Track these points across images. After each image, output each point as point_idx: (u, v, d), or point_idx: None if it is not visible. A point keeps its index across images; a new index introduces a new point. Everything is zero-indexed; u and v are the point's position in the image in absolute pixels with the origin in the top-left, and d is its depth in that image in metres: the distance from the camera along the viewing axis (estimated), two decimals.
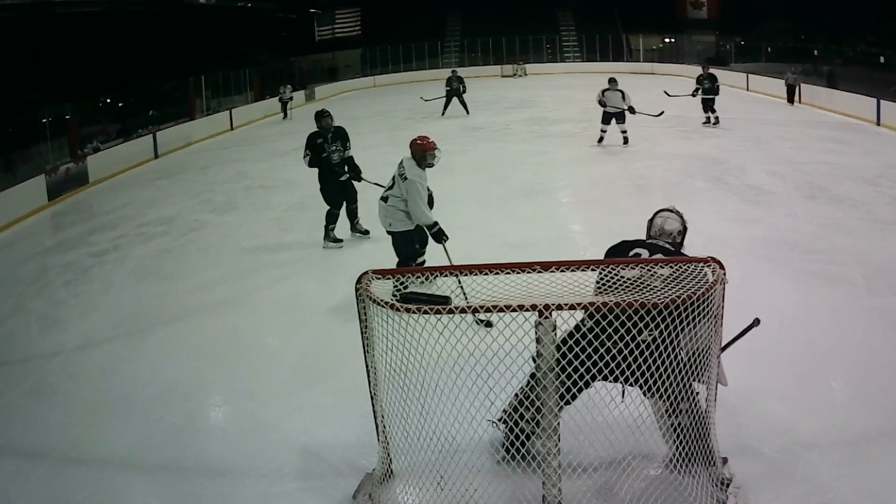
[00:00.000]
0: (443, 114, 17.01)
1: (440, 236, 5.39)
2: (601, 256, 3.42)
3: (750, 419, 3.62)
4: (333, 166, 7.02)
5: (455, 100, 17.17)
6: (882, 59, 18.15)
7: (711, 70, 14.29)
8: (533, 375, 3.04)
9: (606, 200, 8.61)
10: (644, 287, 2.84)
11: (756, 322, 3.34)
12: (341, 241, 7.22)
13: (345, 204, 7.23)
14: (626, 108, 11.51)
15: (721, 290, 2.90)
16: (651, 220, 3.56)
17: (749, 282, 5.36)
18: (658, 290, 2.77)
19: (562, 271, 2.93)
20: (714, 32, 28.82)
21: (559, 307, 2.61)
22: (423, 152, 5.48)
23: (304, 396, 4.27)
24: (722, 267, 2.89)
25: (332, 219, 7.18)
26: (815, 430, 3.51)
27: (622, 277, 2.96)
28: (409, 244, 5.62)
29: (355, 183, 7.29)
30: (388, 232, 5.67)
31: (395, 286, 3.26)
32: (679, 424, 3.04)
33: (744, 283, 5.07)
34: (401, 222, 5.52)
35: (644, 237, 3.50)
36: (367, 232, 7.34)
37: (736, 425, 3.55)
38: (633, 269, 2.99)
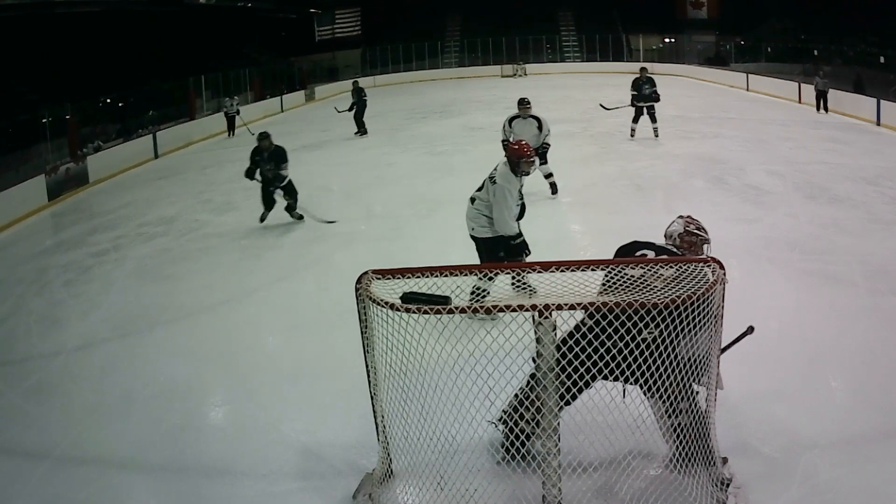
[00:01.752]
0: (357, 132, 15.19)
1: (521, 250, 4.99)
2: (601, 256, 3.42)
3: (750, 419, 3.62)
4: (265, 182, 8.30)
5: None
6: (882, 59, 18.13)
7: (650, 74, 12.50)
8: (533, 376, 3.05)
9: (606, 200, 8.60)
10: (645, 287, 2.84)
11: (750, 330, 3.34)
12: (302, 217, 8.41)
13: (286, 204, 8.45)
14: (542, 144, 8.44)
15: (721, 291, 2.90)
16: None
17: (749, 282, 5.36)
18: (658, 291, 2.77)
19: (562, 271, 2.93)
20: (714, 32, 28.82)
21: (559, 307, 2.61)
22: (517, 158, 5.00)
23: (304, 396, 4.27)
24: (722, 267, 2.88)
25: (291, 209, 8.46)
26: (815, 430, 3.51)
27: (628, 276, 2.95)
28: (493, 253, 5.10)
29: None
30: (471, 236, 5.22)
31: (475, 289, 3.21)
32: (679, 425, 3.04)
33: (744, 283, 5.07)
34: (483, 228, 5.09)
35: (655, 239, 3.50)
36: (301, 217, 8.44)
37: (736, 425, 3.55)
38: (637, 268, 2.99)
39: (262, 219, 8.37)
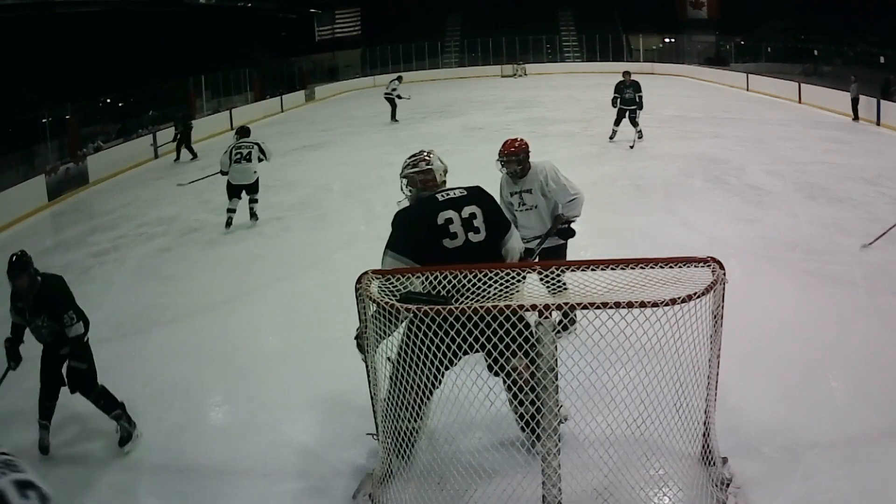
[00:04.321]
0: (176, 160, 14.36)
1: None
2: (601, 256, 3.41)
3: (750, 419, 3.62)
4: (45, 345, 4.12)
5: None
6: (882, 59, 18.12)
7: (634, 78, 11.89)
8: (391, 377, 3.06)
9: (606, 200, 8.60)
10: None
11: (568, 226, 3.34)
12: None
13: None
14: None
15: (721, 290, 2.90)
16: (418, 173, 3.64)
17: (749, 282, 5.36)
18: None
19: (562, 271, 2.93)
20: (714, 32, 28.83)
21: (559, 307, 2.61)
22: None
23: (304, 396, 4.27)
24: (722, 267, 2.88)
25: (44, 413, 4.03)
26: (815, 430, 3.51)
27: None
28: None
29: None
30: None
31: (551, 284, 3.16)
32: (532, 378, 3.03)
33: (744, 283, 5.07)
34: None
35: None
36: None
37: (736, 425, 3.54)
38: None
39: (42, 446, 3.94)
